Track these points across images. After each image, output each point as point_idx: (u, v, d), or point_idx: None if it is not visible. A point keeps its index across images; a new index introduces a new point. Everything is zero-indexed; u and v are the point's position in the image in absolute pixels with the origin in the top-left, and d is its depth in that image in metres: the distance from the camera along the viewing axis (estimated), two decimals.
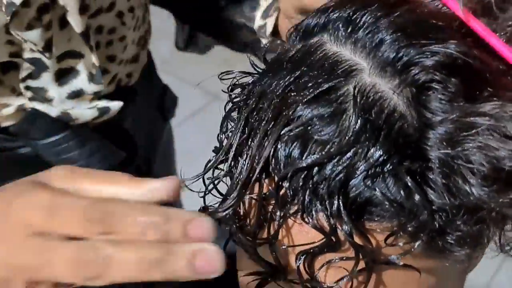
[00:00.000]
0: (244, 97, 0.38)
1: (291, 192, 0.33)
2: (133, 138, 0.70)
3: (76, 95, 0.59)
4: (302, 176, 0.33)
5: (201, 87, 1.60)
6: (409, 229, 0.32)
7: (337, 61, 0.34)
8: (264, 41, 0.58)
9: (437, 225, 0.32)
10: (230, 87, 0.40)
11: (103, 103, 0.62)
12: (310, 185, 0.33)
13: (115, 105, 0.63)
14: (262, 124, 0.34)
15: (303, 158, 0.33)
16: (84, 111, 0.61)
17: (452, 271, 0.36)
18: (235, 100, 0.39)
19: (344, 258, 0.33)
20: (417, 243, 0.32)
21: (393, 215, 0.32)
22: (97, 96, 0.61)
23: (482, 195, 0.30)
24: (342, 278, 0.33)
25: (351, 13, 0.35)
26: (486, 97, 0.31)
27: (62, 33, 0.55)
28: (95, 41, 0.58)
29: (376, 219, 0.32)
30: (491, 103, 0.31)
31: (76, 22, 0.54)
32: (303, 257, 0.34)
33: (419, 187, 0.31)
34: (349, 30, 0.35)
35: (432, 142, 0.31)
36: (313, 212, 0.33)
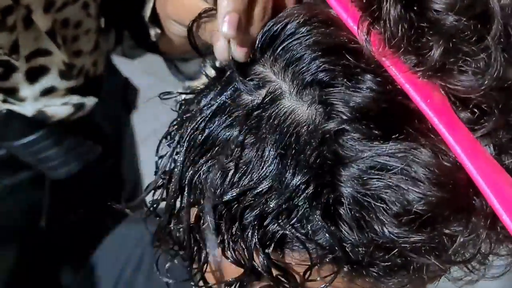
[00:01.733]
0: (175, 125, 0.38)
1: (213, 225, 0.33)
2: (104, 132, 0.70)
3: (49, 91, 0.59)
4: (222, 207, 0.32)
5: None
6: (326, 260, 0.32)
7: (265, 84, 0.34)
8: (151, 31, 0.57)
9: (356, 257, 0.31)
10: (178, 105, 0.40)
11: (77, 99, 0.62)
12: (228, 218, 0.32)
13: (90, 100, 0.63)
14: (185, 151, 0.35)
15: (223, 190, 0.33)
16: (59, 108, 0.61)
17: None
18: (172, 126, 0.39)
19: None
20: (330, 276, 0.32)
21: (310, 248, 0.32)
22: (69, 91, 0.61)
23: (393, 234, 0.30)
24: None
25: (272, 27, 0.34)
26: (399, 138, 0.31)
27: (27, 33, 0.55)
28: (62, 36, 0.58)
29: (296, 250, 0.33)
30: (402, 143, 0.30)
31: (41, 20, 0.54)
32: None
33: (332, 222, 0.31)
34: (269, 47, 0.34)
35: (344, 178, 0.31)
36: (233, 246, 0.32)
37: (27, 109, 0.59)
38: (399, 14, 0.30)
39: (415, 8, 0.31)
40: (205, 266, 0.36)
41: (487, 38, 0.30)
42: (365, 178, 0.30)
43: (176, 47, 0.57)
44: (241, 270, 0.33)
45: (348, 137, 0.31)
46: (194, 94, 0.38)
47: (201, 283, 0.37)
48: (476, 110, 0.32)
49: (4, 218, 0.68)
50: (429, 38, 0.30)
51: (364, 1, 0.32)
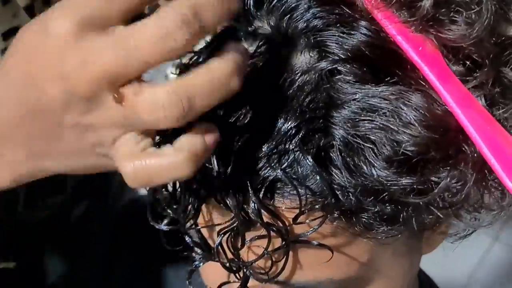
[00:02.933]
0: None
1: (203, 168, 0.33)
2: None
3: None
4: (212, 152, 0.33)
5: None
6: (316, 207, 0.32)
7: (261, 37, 0.34)
8: None
9: (346, 204, 0.32)
10: None
11: None
12: (222, 164, 0.32)
13: None
14: None
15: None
16: None
17: (386, 250, 0.36)
18: None
19: (256, 238, 0.33)
20: (319, 221, 0.32)
21: (301, 194, 0.32)
22: None
23: (382, 177, 0.31)
24: (259, 257, 0.34)
25: None
26: (391, 82, 0.31)
27: (5, 9, 0.54)
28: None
29: (286, 197, 0.32)
30: (394, 87, 0.31)
31: None
32: (222, 236, 0.34)
33: (322, 166, 0.31)
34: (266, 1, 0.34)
35: (336, 120, 0.31)
36: (224, 192, 0.33)
37: None
38: None
39: None
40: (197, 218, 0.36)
41: None
42: (356, 120, 0.31)
43: None
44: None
45: (341, 78, 0.31)
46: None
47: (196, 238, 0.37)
48: (468, 62, 0.32)
49: None
50: None
51: None
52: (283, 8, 0.33)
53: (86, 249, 0.74)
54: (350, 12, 0.32)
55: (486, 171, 0.31)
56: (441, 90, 0.31)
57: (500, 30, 0.33)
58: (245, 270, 0.35)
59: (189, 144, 0.28)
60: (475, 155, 0.31)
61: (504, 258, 1.71)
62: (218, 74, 0.27)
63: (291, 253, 0.34)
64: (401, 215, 0.32)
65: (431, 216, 0.33)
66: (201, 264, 0.39)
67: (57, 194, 0.74)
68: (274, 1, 0.34)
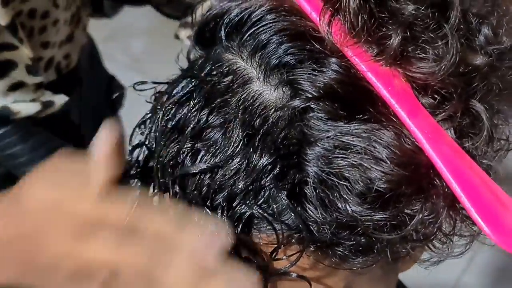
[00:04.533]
0: (149, 114, 0.39)
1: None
2: (80, 130, 0.70)
3: (17, 86, 0.59)
4: (193, 187, 0.33)
5: None
6: (293, 241, 0.32)
7: (234, 71, 0.34)
8: None
9: (321, 238, 0.32)
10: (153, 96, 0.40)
11: (47, 97, 0.62)
12: (200, 198, 0.33)
13: (60, 98, 0.63)
14: (156, 138, 0.36)
15: (195, 167, 0.33)
16: (26, 105, 0.61)
17: (362, 277, 0.37)
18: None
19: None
20: (296, 256, 0.33)
21: (277, 229, 0.32)
22: (40, 86, 0.61)
23: (356, 212, 0.31)
24: None
25: (237, 15, 0.35)
26: (363, 119, 0.32)
27: None
28: (29, 27, 0.58)
29: (263, 232, 0.33)
30: (366, 124, 0.31)
31: (0, 14, 0.54)
32: None
33: (297, 202, 0.32)
34: (237, 34, 0.35)
35: (310, 158, 0.32)
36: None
37: None
38: (358, 6, 0.31)
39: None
40: None
41: (445, 26, 0.32)
42: (329, 157, 0.31)
43: None
44: None
45: (314, 116, 0.32)
46: (167, 84, 0.39)
47: None
48: (437, 96, 0.33)
49: None
50: (389, 27, 0.31)
51: None
52: (255, 42, 0.34)
53: None
54: (320, 48, 0.33)
55: (457, 203, 0.31)
56: (411, 126, 0.31)
57: (467, 60, 0.33)
58: None
59: None
60: (446, 189, 0.31)
61: (491, 263, 1.72)
62: None
63: (271, 286, 0.34)
64: (376, 247, 0.33)
65: (404, 249, 0.33)
66: None
67: None
68: (246, 36, 0.34)
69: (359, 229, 0.32)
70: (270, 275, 0.34)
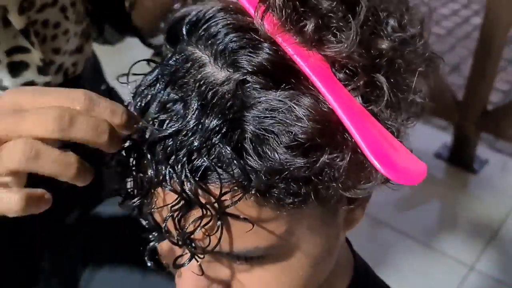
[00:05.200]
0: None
1: (153, 163, 0.43)
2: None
3: (28, 85, 0.68)
4: (160, 148, 0.42)
5: None
6: (236, 188, 0.41)
7: (192, 59, 0.44)
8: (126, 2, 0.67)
9: (258, 182, 0.41)
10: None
11: None
12: (165, 157, 0.42)
13: None
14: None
15: (161, 133, 0.43)
16: None
17: (301, 223, 0.45)
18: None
19: (197, 218, 0.42)
20: (238, 197, 0.41)
21: (226, 177, 0.41)
22: (48, 85, 0.70)
23: (283, 159, 0.40)
24: (195, 229, 0.43)
25: (195, 15, 0.45)
26: (287, 88, 0.41)
27: (7, 31, 0.64)
28: (42, 35, 0.67)
29: (216, 181, 0.42)
30: (289, 91, 0.41)
31: (16, 20, 0.62)
32: (170, 217, 0.44)
33: (239, 155, 0.40)
34: (194, 30, 0.45)
35: (247, 118, 0.41)
36: (170, 180, 0.42)
37: None
38: (283, 2, 0.41)
39: None
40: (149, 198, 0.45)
41: (350, 17, 0.41)
42: (262, 117, 0.40)
43: (148, 15, 0.66)
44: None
45: (250, 86, 0.41)
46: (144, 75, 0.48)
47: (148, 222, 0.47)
48: (348, 72, 0.42)
49: None
50: (307, 18, 0.41)
51: None
52: (207, 34, 0.44)
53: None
54: (256, 36, 0.42)
55: (359, 152, 0.41)
56: (324, 92, 0.41)
57: (373, 44, 0.43)
58: (189, 243, 0.44)
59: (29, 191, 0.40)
60: (352, 141, 0.41)
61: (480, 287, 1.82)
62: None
63: (224, 227, 0.43)
64: (302, 190, 0.42)
65: (324, 190, 0.42)
66: (157, 243, 0.49)
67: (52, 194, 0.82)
68: (201, 30, 0.44)
69: (286, 173, 0.40)
70: (222, 212, 0.42)
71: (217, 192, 0.42)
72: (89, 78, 0.82)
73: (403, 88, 0.45)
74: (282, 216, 0.44)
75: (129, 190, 0.47)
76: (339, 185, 0.42)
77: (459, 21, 3.50)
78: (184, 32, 0.46)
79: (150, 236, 0.50)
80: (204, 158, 0.41)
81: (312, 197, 0.42)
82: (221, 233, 0.43)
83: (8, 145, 0.39)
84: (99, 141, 0.40)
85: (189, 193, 0.42)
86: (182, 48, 0.46)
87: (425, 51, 0.47)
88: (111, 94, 0.89)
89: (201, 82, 0.42)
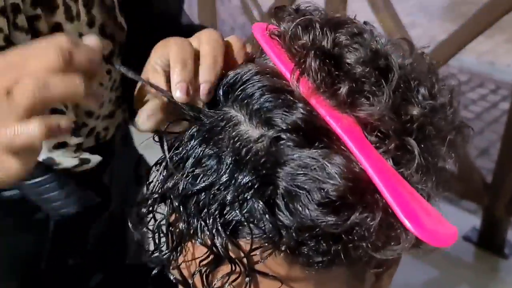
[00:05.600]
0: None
1: (185, 217, 0.44)
2: (109, 190, 0.81)
3: (61, 146, 0.71)
4: (193, 202, 0.43)
5: None
6: (266, 244, 0.41)
7: (227, 117, 0.45)
8: None
9: (289, 239, 0.41)
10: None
11: (85, 155, 0.73)
12: (197, 211, 0.43)
13: (95, 157, 0.74)
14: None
15: (195, 187, 0.44)
16: (66, 159, 0.72)
17: (329, 284, 0.45)
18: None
19: (226, 274, 0.43)
20: (267, 253, 0.42)
21: (257, 233, 0.42)
22: (80, 148, 0.73)
23: (314, 216, 0.41)
24: (223, 285, 0.43)
25: (232, 78, 0.47)
26: (320, 146, 0.42)
27: None
28: None
29: (247, 237, 0.42)
30: (322, 150, 0.42)
31: None
32: (199, 272, 0.44)
33: (271, 211, 0.41)
34: (231, 92, 0.46)
35: (280, 175, 0.42)
36: (201, 233, 0.43)
37: (41, 156, 0.70)
38: (318, 67, 0.43)
39: (332, 61, 0.43)
40: (179, 255, 0.46)
41: (382, 82, 0.43)
42: (294, 174, 0.41)
43: None
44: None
45: (284, 143, 0.42)
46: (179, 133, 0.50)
47: (176, 274, 0.47)
48: (379, 134, 0.43)
49: (8, 256, 0.78)
50: (341, 82, 0.43)
51: (296, 58, 0.45)
52: (244, 95, 0.45)
53: None
54: (291, 97, 0.44)
55: (390, 213, 0.41)
56: (356, 153, 0.42)
57: (405, 110, 0.44)
58: None
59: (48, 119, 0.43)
60: (383, 201, 0.41)
61: None
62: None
63: (252, 285, 0.43)
64: (332, 248, 0.42)
65: (354, 250, 0.42)
66: None
67: (78, 255, 0.83)
68: (237, 91, 0.46)
69: (317, 230, 0.41)
70: (251, 269, 0.43)
71: (247, 247, 0.42)
72: (120, 144, 0.85)
73: (433, 154, 0.46)
74: (311, 276, 0.44)
75: (157, 244, 0.47)
76: (369, 245, 0.42)
77: (487, 106, 3.52)
78: (221, 93, 0.48)
79: None
80: (236, 212, 0.42)
81: (342, 256, 0.42)
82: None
83: (17, 86, 0.42)
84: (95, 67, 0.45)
85: (220, 247, 0.42)
86: (218, 109, 0.48)
87: (455, 119, 0.48)
88: (140, 161, 0.91)
89: (236, 139, 0.44)
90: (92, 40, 0.47)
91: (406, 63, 0.47)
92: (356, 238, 0.41)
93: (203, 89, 0.48)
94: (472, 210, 2.48)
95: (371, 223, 0.41)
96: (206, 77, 0.48)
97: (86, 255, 0.85)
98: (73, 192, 0.74)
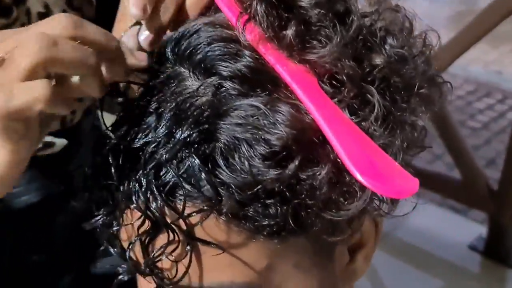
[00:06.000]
0: None
1: (119, 178, 0.39)
2: (73, 178, 0.77)
3: None
4: (128, 161, 0.39)
5: None
6: (206, 207, 0.37)
7: (174, 73, 0.42)
8: None
9: (232, 201, 0.37)
10: None
11: (48, 138, 0.70)
12: (133, 171, 0.39)
13: (60, 141, 0.71)
14: None
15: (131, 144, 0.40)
16: None
17: (286, 260, 0.40)
18: None
19: (165, 244, 0.38)
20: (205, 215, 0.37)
21: (194, 194, 0.37)
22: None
23: (256, 171, 0.36)
24: (160, 254, 0.38)
25: (180, 33, 0.43)
26: (264, 94, 0.38)
27: None
28: None
29: (184, 198, 0.38)
30: (266, 97, 0.38)
31: None
32: (134, 241, 0.40)
33: (209, 169, 0.37)
34: (178, 47, 0.42)
35: (220, 127, 0.38)
36: (136, 196, 0.39)
37: None
38: (264, 10, 0.39)
39: (282, 5, 0.39)
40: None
41: (336, 23, 0.39)
42: (234, 125, 0.37)
43: None
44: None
45: (225, 91, 0.38)
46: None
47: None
48: (335, 82, 0.39)
49: None
50: (288, 24, 0.39)
51: (243, 4, 0.41)
52: (190, 48, 0.41)
53: None
54: (239, 47, 0.40)
55: (341, 167, 0.36)
56: (305, 100, 0.37)
57: (368, 58, 0.40)
58: (156, 273, 0.39)
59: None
60: (334, 154, 0.37)
61: None
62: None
63: (194, 255, 0.39)
64: (278, 209, 0.37)
65: (304, 212, 0.37)
66: (126, 276, 0.44)
67: (43, 253, 0.79)
68: (184, 45, 0.42)
69: (259, 187, 0.36)
70: (191, 238, 0.38)
71: (187, 212, 0.38)
72: (90, 133, 0.81)
73: (401, 107, 0.41)
74: (263, 246, 0.39)
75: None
76: (319, 203, 0.37)
77: (494, 116, 3.45)
78: (169, 50, 0.43)
79: (120, 269, 0.45)
80: (172, 172, 0.38)
81: (291, 220, 0.37)
82: (190, 260, 0.38)
83: (17, 48, 0.35)
84: (110, 44, 0.40)
85: (155, 211, 0.38)
86: (167, 66, 0.43)
87: (427, 70, 0.43)
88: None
89: (177, 94, 0.40)
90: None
91: (372, 10, 0.43)
92: (303, 196, 0.37)
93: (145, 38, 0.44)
94: (478, 219, 2.41)
95: (319, 178, 0.36)
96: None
97: (53, 253, 0.80)
98: (35, 178, 0.70)
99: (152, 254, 0.39)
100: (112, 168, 0.40)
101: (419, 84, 0.42)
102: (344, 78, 0.39)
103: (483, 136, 3.23)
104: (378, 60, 0.40)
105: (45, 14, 0.64)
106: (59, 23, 0.37)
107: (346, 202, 0.37)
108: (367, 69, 0.40)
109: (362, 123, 0.38)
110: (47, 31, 0.36)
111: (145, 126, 0.40)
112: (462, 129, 3.27)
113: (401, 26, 0.44)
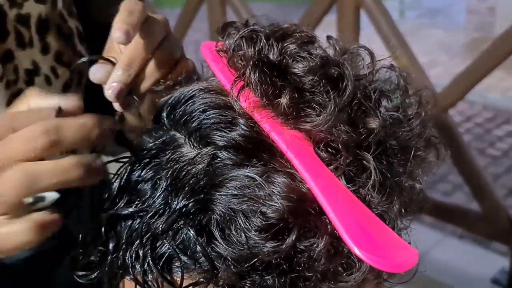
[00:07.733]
0: None
1: (115, 248, 0.39)
2: (70, 232, 0.76)
3: None
4: (125, 232, 0.39)
5: None
6: (202, 280, 0.37)
7: (170, 138, 0.42)
8: None
9: (228, 273, 0.36)
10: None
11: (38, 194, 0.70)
12: (129, 242, 0.38)
13: (50, 195, 0.70)
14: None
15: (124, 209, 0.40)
16: None
17: None
18: None
19: None
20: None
21: (191, 266, 0.37)
22: None
23: (252, 243, 0.36)
24: None
25: (175, 98, 0.43)
26: (259, 165, 0.37)
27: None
28: None
29: (179, 272, 0.37)
30: (262, 168, 0.37)
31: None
32: None
33: (205, 241, 0.36)
34: (174, 112, 0.42)
35: (215, 198, 0.37)
36: (132, 268, 0.38)
37: None
38: (258, 78, 0.38)
39: (275, 72, 0.39)
40: None
41: (330, 91, 0.38)
42: (230, 196, 0.37)
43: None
44: None
45: (220, 162, 0.38)
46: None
47: None
48: (331, 150, 0.39)
49: None
50: (283, 92, 0.38)
51: (238, 71, 0.41)
52: (185, 114, 0.41)
53: None
54: (233, 114, 0.40)
55: (339, 237, 0.35)
56: (300, 169, 0.37)
57: (362, 122, 0.39)
58: None
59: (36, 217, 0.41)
60: (330, 224, 0.36)
61: None
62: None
63: None
64: (276, 281, 0.36)
65: (302, 283, 0.36)
66: None
67: None
68: (179, 111, 0.42)
69: (256, 260, 0.35)
70: None
71: (184, 284, 0.37)
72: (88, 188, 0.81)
73: (397, 171, 0.40)
74: None
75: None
76: (317, 275, 0.36)
77: None
78: (164, 115, 0.43)
79: None
80: (168, 243, 0.37)
81: None
82: None
83: (2, 175, 0.39)
84: (92, 136, 0.42)
85: (151, 284, 0.37)
86: (163, 131, 0.43)
87: (422, 132, 0.43)
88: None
89: (173, 162, 0.40)
90: (69, 101, 0.43)
91: (365, 73, 0.42)
92: (301, 267, 0.36)
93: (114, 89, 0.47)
94: (501, 251, 2.36)
95: (317, 249, 0.36)
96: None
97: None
98: None
99: None
100: (109, 240, 0.39)
101: (416, 146, 0.42)
102: (339, 145, 0.38)
103: (503, 164, 3.19)
104: (374, 124, 0.39)
105: (33, 71, 0.64)
106: (35, 141, 0.40)
107: (344, 274, 0.37)
108: (363, 134, 0.39)
109: (360, 190, 0.38)
110: (25, 147, 0.40)
111: (141, 193, 0.40)
112: (481, 157, 3.22)
113: (395, 87, 0.44)
